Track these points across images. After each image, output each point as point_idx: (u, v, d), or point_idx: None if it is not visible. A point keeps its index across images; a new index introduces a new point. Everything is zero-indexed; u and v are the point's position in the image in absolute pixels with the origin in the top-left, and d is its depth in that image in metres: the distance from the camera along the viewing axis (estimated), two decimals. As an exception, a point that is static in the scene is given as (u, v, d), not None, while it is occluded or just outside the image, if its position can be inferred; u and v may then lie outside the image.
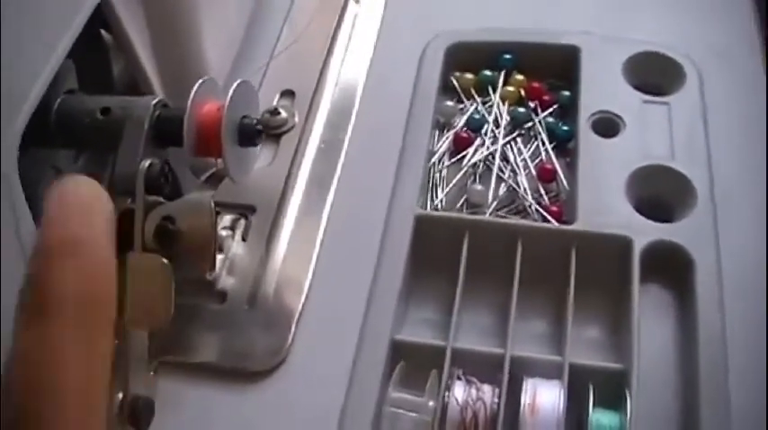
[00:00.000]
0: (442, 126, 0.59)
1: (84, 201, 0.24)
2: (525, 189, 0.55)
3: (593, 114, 0.57)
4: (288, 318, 0.49)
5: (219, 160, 0.42)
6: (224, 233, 0.50)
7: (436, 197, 0.55)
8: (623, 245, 0.50)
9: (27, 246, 0.36)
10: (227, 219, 0.52)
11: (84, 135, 0.42)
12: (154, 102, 0.41)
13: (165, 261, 0.32)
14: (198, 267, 0.36)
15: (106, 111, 0.41)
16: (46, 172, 0.43)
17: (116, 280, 0.24)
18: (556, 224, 0.52)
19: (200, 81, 0.42)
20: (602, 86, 0.58)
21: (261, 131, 0.44)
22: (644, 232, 0.51)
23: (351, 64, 0.61)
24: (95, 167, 0.46)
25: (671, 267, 0.50)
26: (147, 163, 0.37)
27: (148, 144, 0.40)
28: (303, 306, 0.49)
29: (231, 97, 0.41)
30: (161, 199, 0.36)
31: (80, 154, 0.46)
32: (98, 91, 0.44)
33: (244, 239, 0.52)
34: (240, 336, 0.48)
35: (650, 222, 0.51)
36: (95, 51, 0.46)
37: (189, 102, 0.41)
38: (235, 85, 0.42)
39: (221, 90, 0.44)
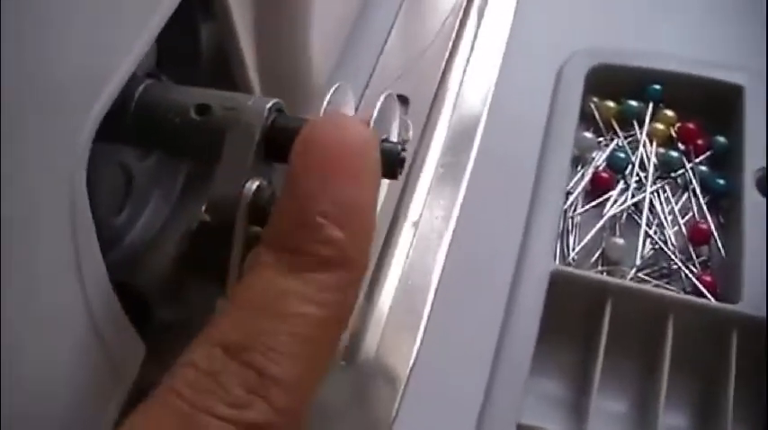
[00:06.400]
0: (575, 160, 0.50)
1: (357, 151, 0.24)
2: (675, 250, 0.46)
3: (758, 171, 0.48)
4: (392, 384, 0.40)
5: None
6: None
7: (569, 248, 0.46)
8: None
9: (84, 260, 0.27)
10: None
11: (171, 137, 0.32)
12: (269, 105, 0.31)
13: None
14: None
15: (204, 109, 0.31)
16: (110, 168, 0.34)
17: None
18: (714, 301, 0.44)
19: (335, 86, 0.32)
20: (768, 138, 0.49)
21: (404, 161, 0.34)
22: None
23: (475, 72, 0.51)
24: (167, 170, 0.37)
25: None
26: (254, 184, 0.28)
27: (257, 159, 0.31)
28: (410, 372, 0.41)
29: (377, 114, 0.32)
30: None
31: (151, 151, 0.36)
32: (181, 69, 0.35)
33: (342, 277, 0.43)
34: (329, 398, 0.40)
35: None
36: (182, 16, 0.36)
37: (322, 110, 0.31)
38: (382, 97, 0.32)
39: (354, 101, 0.34)
